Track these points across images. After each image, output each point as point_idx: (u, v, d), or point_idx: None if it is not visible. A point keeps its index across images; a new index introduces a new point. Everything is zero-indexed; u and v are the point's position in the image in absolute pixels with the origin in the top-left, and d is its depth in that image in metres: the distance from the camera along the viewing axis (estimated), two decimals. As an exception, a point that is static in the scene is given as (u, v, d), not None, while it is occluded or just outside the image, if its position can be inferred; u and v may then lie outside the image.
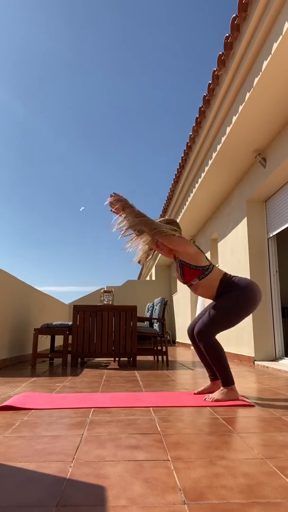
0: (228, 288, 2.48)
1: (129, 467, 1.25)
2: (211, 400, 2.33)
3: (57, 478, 1.16)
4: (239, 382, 3.21)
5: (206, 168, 5.36)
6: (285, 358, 4.81)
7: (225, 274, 2.56)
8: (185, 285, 2.59)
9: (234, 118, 4.09)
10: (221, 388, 2.41)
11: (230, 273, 6.16)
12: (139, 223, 2.49)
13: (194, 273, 2.52)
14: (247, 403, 2.24)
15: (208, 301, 7.77)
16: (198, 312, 8.60)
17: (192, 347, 8.93)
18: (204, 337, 2.42)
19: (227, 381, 2.38)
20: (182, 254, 2.55)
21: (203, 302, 8.22)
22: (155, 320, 5.34)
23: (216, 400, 2.32)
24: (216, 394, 2.37)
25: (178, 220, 7.84)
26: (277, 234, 5.28)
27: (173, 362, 5.32)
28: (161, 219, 2.71)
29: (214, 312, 2.45)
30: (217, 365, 2.41)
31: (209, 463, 1.29)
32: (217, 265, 6.85)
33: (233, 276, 2.55)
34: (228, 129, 4.30)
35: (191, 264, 2.53)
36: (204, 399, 2.37)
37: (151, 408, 2.20)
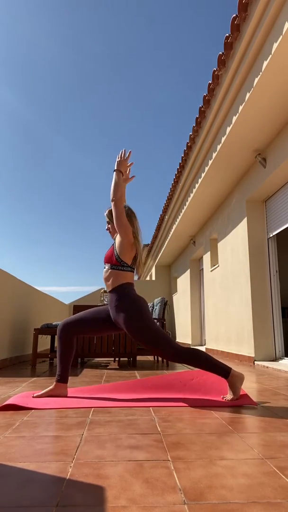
0: (123, 296, 2.44)
1: (129, 467, 1.25)
2: (230, 399, 2.30)
3: (57, 478, 1.16)
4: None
5: (206, 168, 5.36)
6: (285, 358, 4.81)
7: (130, 284, 2.52)
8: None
9: (234, 118, 4.09)
10: (227, 383, 2.38)
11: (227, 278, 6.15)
12: (114, 188, 2.51)
13: (111, 259, 2.49)
14: (253, 402, 2.24)
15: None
16: None
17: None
18: (176, 357, 2.35)
19: (224, 372, 2.33)
20: (119, 237, 2.51)
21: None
22: (155, 320, 5.34)
23: (233, 395, 2.30)
24: (229, 391, 2.35)
25: (178, 220, 7.85)
26: (277, 234, 5.27)
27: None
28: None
29: (149, 338, 2.37)
30: (206, 367, 2.35)
31: (209, 463, 1.29)
32: (217, 265, 6.85)
33: (132, 290, 2.51)
34: (228, 129, 4.30)
35: (116, 251, 2.50)
36: (223, 398, 2.37)
37: (151, 408, 2.20)
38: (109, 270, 2.50)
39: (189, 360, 2.34)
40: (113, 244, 2.58)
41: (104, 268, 2.56)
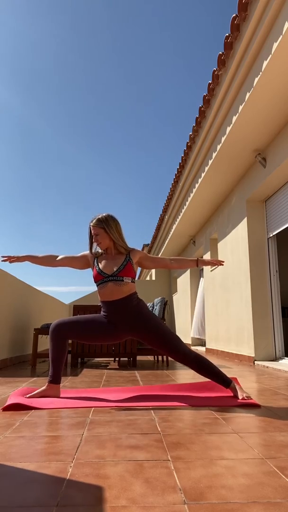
0: (139, 300, 2.61)
1: (129, 467, 1.25)
2: (244, 397, 2.35)
3: (57, 478, 1.16)
4: (239, 382, 3.20)
5: (206, 168, 5.36)
6: (285, 358, 4.81)
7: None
8: (106, 279, 2.56)
9: (234, 118, 4.09)
10: (229, 392, 2.49)
11: (229, 273, 6.17)
12: (182, 267, 2.79)
13: (132, 274, 2.57)
14: (256, 403, 2.24)
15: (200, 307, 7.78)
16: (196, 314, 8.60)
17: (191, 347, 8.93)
18: (190, 359, 2.42)
19: (225, 382, 2.42)
20: (152, 265, 2.72)
21: (202, 303, 8.22)
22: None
23: (239, 400, 2.33)
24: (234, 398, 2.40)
25: (178, 220, 7.85)
26: (277, 234, 5.27)
27: (173, 362, 5.31)
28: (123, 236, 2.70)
29: (166, 336, 2.47)
30: (210, 376, 2.43)
31: (209, 463, 1.29)
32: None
33: None
34: (228, 129, 4.30)
35: (134, 269, 2.61)
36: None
37: (151, 408, 2.20)
38: (129, 283, 2.58)
39: (196, 363, 2.42)
40: (129, 261, 2.58)
41: (122, 281, 2.54)
